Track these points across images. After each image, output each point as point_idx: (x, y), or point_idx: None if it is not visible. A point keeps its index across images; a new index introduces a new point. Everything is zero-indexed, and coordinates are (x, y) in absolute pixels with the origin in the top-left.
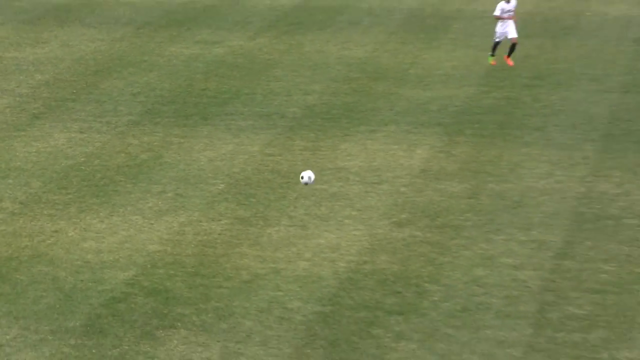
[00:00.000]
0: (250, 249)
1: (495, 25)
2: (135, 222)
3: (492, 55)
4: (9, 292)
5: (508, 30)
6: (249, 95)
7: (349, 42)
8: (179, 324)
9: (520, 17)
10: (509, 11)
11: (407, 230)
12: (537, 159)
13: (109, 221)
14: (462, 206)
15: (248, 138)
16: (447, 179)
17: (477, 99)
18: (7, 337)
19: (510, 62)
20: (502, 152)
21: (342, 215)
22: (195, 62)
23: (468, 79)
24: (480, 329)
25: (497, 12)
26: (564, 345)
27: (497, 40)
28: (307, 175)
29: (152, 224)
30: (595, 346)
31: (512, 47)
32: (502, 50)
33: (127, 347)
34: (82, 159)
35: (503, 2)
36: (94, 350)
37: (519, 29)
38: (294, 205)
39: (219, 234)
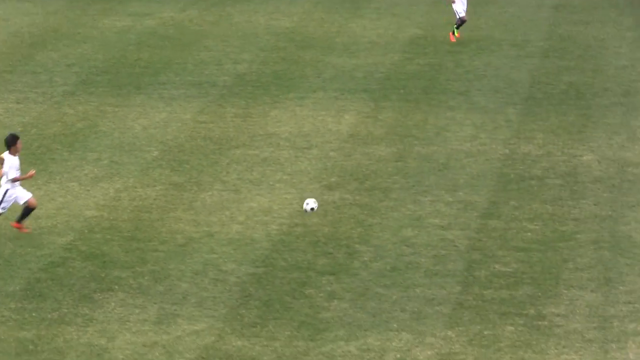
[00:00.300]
0: (184, 213)
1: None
2: (72, 188)
3: (457, 29)
4: None
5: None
6: (180, 65)
7: (277, 13)
8: (116, 286)
9: None
10: None
11: (337, 193)
12: (462, 122)
13: (47, 188)
14: (389, 169)
15: (180, 106)
16: (375, 143)
17: (402, 65)
18: None
19: (453, 38)
20: (427, 116)
21: (273, 180)
22: (128, 33)
23: (392, 46)
24: (410, 287)
25: None
26: (492, 302)
27: (460, 17)
28: (311, 203)
29: (88, 190)
30: (522, 302)
31: (461, 23)
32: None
33: (66, 310)
34: (20, 129)
35: None
36: (34, 314)
37: None
38: (226, 170)
39: (154, 199)
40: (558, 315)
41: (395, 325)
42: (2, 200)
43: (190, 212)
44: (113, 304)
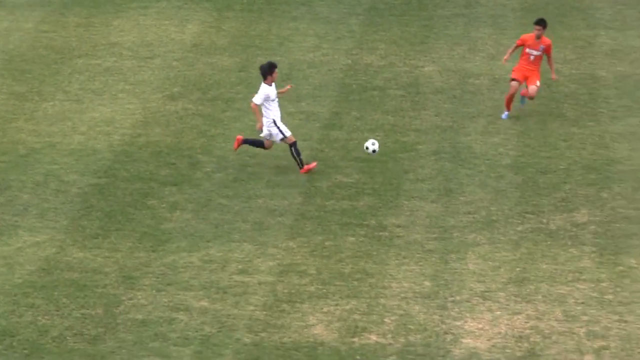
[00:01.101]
0: (26, 123)
1: None
2: None
3: None
4: None
5: None
6: None
7: None
8: None
9: None
10: None
11: (179, 104)
12: (305, 33)
13: None
14: (232, 79)
15: (22, 15)
16: (218, 53)
17: None
18: None
19: None
20: (270, 26)
21: (116, 90)
22: None
23: None
24: (252, 198)
25: None
26: (333, 212)
27: None
28: (372, 145)
29: None
30: (363, 213)
31: None
32: None
33: None
34: None
35: None
36: None
37: None
38: (68, 80)
39: None
40: (399, 226)
41: (237, 236)
42: (279, 130)
43: (32, 122)
44: None
